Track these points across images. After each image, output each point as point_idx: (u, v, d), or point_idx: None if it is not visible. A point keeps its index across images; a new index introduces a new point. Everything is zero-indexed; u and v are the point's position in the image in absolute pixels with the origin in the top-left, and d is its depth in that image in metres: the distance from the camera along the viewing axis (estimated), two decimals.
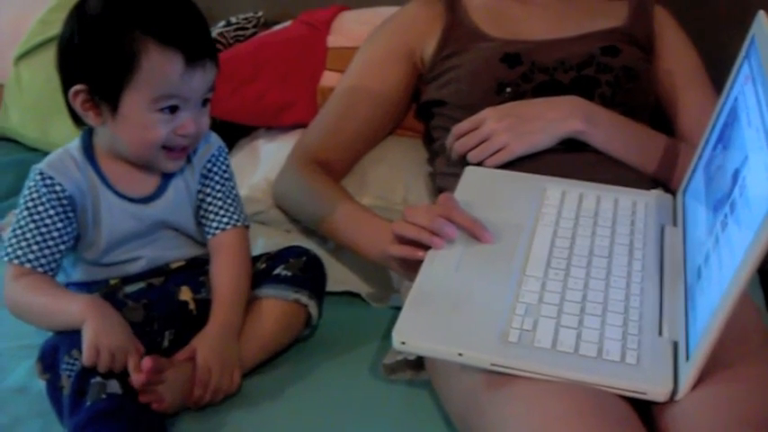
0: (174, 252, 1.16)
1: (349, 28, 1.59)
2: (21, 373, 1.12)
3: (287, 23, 1.67)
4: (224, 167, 1.17)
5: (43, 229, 1.06)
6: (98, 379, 0.98)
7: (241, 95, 1.52)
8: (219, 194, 1.16)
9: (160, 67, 1.01)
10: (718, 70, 1.19)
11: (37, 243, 1.06)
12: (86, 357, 0.98)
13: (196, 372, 1.03)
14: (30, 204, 1.07)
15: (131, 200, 1.11)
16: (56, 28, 1.72)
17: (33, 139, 1.75)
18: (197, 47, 1.03)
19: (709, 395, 0.83)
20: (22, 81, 1.75)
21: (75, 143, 1.11)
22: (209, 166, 1.15)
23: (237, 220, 1.16)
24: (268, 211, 1.36)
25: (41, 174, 1.07)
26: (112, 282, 1.13)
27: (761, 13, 0.93)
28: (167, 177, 1.13)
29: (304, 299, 1.14)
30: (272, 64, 1.55)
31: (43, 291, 1.06)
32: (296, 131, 1.49)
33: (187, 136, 1.06)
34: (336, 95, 1.40)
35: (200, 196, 1.15)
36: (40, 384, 1.05)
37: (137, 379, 0.98)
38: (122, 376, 1.00)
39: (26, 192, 1.07)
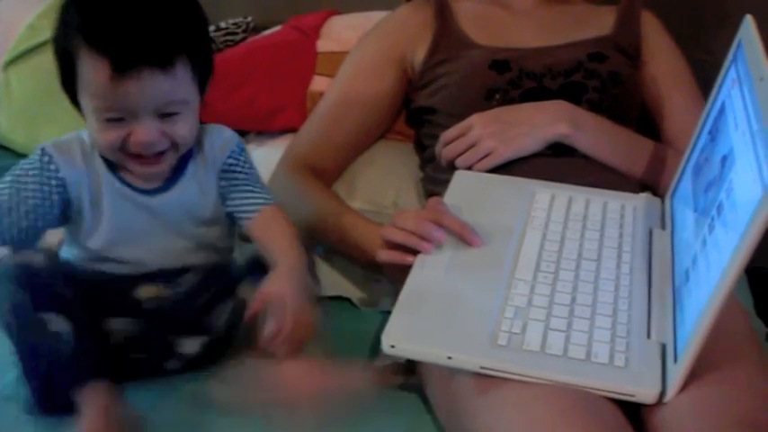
0: (167, 258, 1.12)
1: (338, 33, 1.59)
2: (9, 380, 1.11)
3: (276, 28, 1.67)
4: (244, 159, 1.12)
5: (15, 198, 1.03)
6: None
7: (231, 100, 1.52)
8: (247, 181, 1.11)
9: (89, 75, 0.96)
10: (705, 75, 1.19)
11: (8, 202, 1.03)
12: None
13: (271, 307, 0.99)
14: (19, 171, 1.04)
15: (138, 190, 1.07)
16: (45, 33, 1.74)
17: (22, 145, 1.74)
18: (130, 53, 0.94)
19: (698, 397, 0.84)
20: (11, 86, 1.75)
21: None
22: (230, 161, 1.11)
23: (270, 199, 1.12)
24: None
25: (42, 149, 1.04)
26: None
27: (748, 17, 0.94)
28: (178, 172, 1.08)
29: None
30: (262, 69, 1.55)
31: None
32: (286, 136, 1.49)
33: (141, 145, 0.99)
34: (326, 100, 1.40)
35: (224, 192, 1.11)
36: None
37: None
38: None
39: (24, 160, 1.05)
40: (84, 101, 0.99)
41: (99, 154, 1.06)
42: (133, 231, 1.09)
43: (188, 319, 1.10)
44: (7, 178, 1.05)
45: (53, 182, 1.04)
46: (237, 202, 1.12)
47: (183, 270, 1.13)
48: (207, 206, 1.12)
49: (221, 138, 1.12)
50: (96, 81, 0.95)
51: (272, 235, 1.10)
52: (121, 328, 1.08)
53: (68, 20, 0.98)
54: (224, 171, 1.11)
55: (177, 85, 0.99)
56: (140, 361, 1.09)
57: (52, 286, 1.02)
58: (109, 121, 0.98)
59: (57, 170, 1.04)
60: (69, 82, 1.00)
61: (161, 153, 1.03)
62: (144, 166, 1.03)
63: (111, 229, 1.08)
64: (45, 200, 1.05)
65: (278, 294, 1.00)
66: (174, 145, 1.03)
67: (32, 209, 1.04)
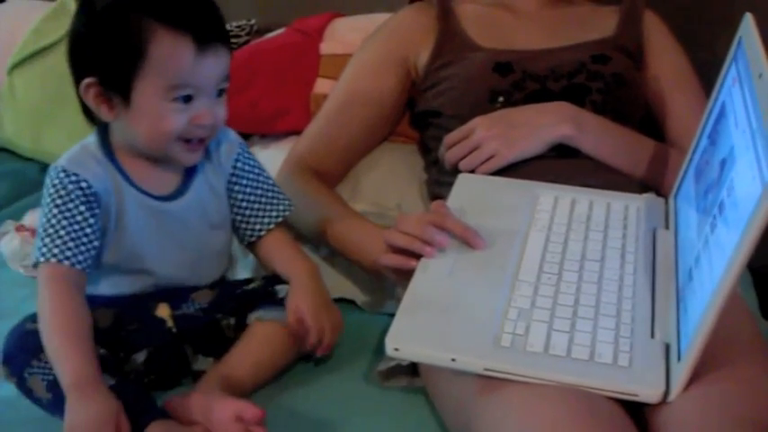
0: (184, 273, 1.14)
1: (342, 35, 1.60)
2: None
3: (280, 31, 1.68)
4: (252, 162, 1.16)
5: (76, 226, 1.02)
6: None
7: (235, 103, 1.49)
8: (259, 191, 1.16)
9: (170, 53, 0.99)
10: (708, 75, 1.19)
11: (72, 240, 1.02)
12: None
13: (310, 326, 1.08)
14: (59, 202, 1.03)
15: (154, 197, 1.09)
16: (49, 37, 1.75)
17: (27, 149, 1.75)
18: (208, 30, 1.02)
19: (701, 396, 0.84)
20: (16, 91, 1.76)
21: (91, 139, 1.08)
22: (238, 165, 1.15)
23: (284, 208, 1.18)
24: None
25: (65, 170, 1.03)
26: None
27: (748, 15, 0.94)
28: (189, 176, 1.11)
29: None
30: (266, 71, 1.55)
31: (63, 328, 0.99)
32: (290, 138, 1.49)
33: (204, 126, 1.04)
34: (330, 103, 1.40)
35: (235, 201, 1.15)
36: None
37: None
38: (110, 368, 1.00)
39: (51, 190, 1.03)
40: (149, 83, 1.00)
41: (112, 162, 1.07)
42: (152, 240, 1.10)
43: (205, 335, 1.12)
44: (52, 213, 1.03)
45: (91, 198, 1.04)
46: (249, 215, 1.16)
47: (195, 288, 1.15)
48: (219, 208, 1.14)
49: (226, 138, 1.15)
50: (179, 58, 1.00)
51: (285, 253, 1.16)
52: (142, 359, 1.08)
53: (127, 11, 0.99)
54: (234, 176, 1.15)
55: (228, 61, 1.06)
56: (156, 380, 1.10)
57: None
58: (176, 101, 1.01)
59: (89, 186, 1.04)
60: (122, 72, 1.00)
61: (202, 139, 1.07)
62: (190, 152, 1.07)
63: (134, 239, 1.08)
64: (95, 216, 1.05)
65: (303, 310, 1.08)
66: (214, 128, 1.07)
67: (93, 230, 1.04)
